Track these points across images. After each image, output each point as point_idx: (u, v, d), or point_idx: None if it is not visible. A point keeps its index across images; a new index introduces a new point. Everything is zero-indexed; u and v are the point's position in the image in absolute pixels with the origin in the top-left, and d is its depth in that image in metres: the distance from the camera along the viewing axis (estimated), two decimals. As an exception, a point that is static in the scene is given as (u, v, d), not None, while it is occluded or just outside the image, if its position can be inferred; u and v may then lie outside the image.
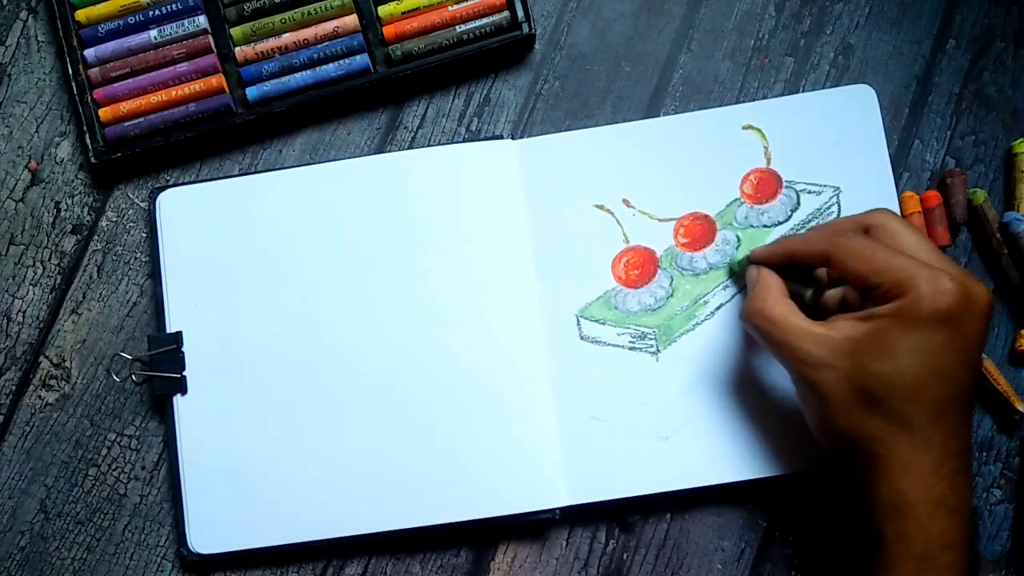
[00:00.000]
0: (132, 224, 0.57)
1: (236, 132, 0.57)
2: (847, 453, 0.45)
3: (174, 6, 0.56)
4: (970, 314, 0.43)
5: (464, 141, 0.56)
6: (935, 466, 0.43)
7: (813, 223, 0.54)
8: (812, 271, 0.49)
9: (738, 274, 0.53)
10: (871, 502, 0.44)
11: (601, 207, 0.55)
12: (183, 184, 0.56)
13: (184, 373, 0.54)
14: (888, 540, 0.43)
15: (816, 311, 0.48)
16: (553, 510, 0.52)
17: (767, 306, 0.47)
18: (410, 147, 0.57)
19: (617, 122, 0.56)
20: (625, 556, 0.53)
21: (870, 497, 0.44)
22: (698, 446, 0.52)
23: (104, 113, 0.56)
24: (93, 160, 0.56)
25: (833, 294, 0.49)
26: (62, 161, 0.57)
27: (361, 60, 0.55)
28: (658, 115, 0.57)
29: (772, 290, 0.48)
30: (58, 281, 0.56)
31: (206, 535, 0.52)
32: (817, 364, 0.44)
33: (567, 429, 0.52)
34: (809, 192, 0.54)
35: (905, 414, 0.43)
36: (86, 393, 0.55)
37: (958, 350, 0.43)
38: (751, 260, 0.51)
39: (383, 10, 0.56)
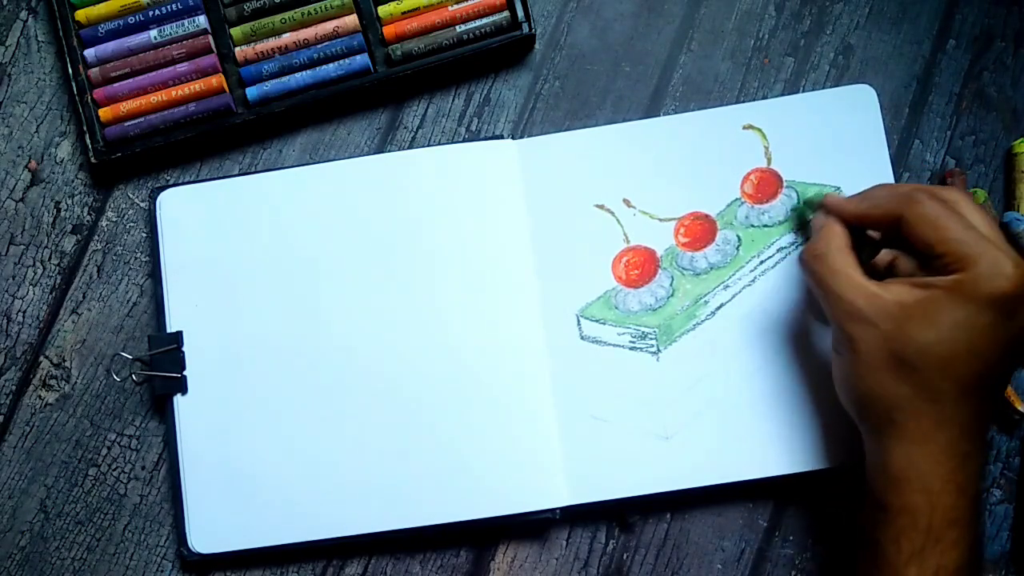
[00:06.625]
0: (132, 224, 0.57)
1: (236, 132, 0.57)
2: (866, 415, 0.46)
3: (174, 6, 0.56)
4: None
5: (464, 141, 0.56)
6: (950, 443, 0.43)
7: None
8: (866, 231, 0.49)
9: (800, 215, 0.54)
10: (880, 470, 0.44)
11: (601, 207, 0.55)
12: (183, 184, 0.56)
13: (184, 373, 0.54)
14: (894, 511, 0.43)
15: (865, 271, 0.48)
16: (553, 510, 0.52)
17: (829, 252, 0.47)
18: (410, 147, 0.57)
19: (617, 122, 0.56)
20: (625, 556, 0.53)
21: (880, 465, 0.44)
22: (698, 446, 0.52)
23: (104, 113, 0.56)
24: (93, 160, 0.56)
25: (885, 256, 0.49)
26: (62, 161, 0.57)
27: (361, 60, 0.55)
28: (658, 115, 0.57)
29: (836, 238, 0.47)
30: (58, 281, 0.56)
31: (206, 535, 0.52)
32: (861, 320, 0.44)
33: (567, 429, 0.52)
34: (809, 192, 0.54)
35: (935, 386, 0.43)
36: (86, 393, 0.55)
37: (1004, 335, 0.43)
38: (824, 207, 0.49)
39: (383, 10, 0.56)
